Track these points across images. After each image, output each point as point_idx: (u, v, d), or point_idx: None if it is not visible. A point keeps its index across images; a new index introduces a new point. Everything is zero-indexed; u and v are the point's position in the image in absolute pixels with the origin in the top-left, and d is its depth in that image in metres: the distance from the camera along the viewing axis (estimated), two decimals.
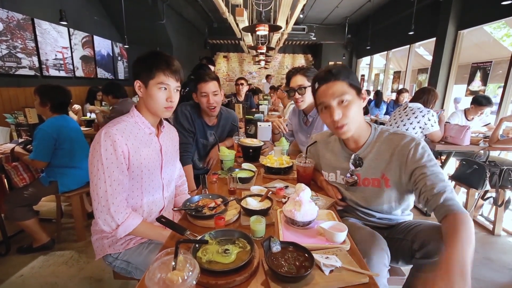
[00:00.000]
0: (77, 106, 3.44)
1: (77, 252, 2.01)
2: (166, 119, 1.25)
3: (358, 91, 0.98)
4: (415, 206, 2.86)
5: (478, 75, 3.95)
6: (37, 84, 1.94)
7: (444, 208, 0.80)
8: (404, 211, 1.08)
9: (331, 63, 8.69)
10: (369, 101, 5.41)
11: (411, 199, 1.05)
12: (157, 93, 1.00)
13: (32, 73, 3.41)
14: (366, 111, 1.18)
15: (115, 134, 0.94)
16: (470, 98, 3.21)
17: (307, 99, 1.68)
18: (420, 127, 2.45)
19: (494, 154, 2.85)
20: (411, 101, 2.66)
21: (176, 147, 1.27)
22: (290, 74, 1.70)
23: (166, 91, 1.01)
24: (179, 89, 1.07)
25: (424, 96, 2.54)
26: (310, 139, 1.35)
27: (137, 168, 1.00)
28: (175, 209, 1.16)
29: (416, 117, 2.45)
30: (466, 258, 0.63)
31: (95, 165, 0.93)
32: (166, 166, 1.14)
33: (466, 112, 3.16)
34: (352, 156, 1.05)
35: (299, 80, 1.64)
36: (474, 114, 3.09)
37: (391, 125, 2.64)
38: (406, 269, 1.08)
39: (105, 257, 1.08)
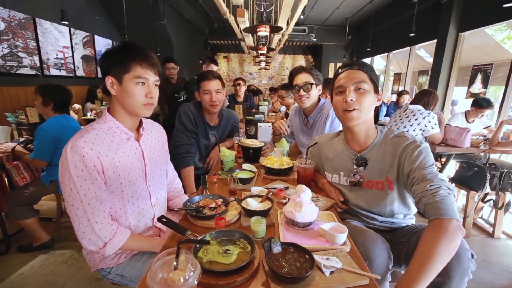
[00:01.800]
0: (77, 106, 3.44)
1: (77, 251, 2.01)
2: (153, 117, 1.17)
3: (376, 88, 1.00)
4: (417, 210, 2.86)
5: (479, 77, 3.95)
6: (38, 83, 1.95)
7: (428, 213, 0.80)
8: (406, 215, 1.08)
9: (331, 64, 8.71)
10: None
11: (412, 202, 1.05)
12: (134, 88, 0.88)
13: (33, 72, 3.41)
14: (377, 116, 1.18)
15: (82, 148, 0.82)
16: (470, 101, 3.21)
17: (312, 97, 1.68)
18: (421, 129, 2.45)
19: (494, 156, 2.85)
20: (412, 103, 2.66)
21: (164, 147, 1.16)
22: (294, 72, 1.70)
23: (145, 86, 0.90)
24: (158, 83, 0.96)
25: (425, 98, 2.55)
26: (311, 141, 1.35)
27: (115, 181, 0.90)
28: (176, 209, 1.16)
29: (416, 119, 2.45)
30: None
31: (67, 185, 0.83)
32: (152, 171, 1.04)
33: (466, 114, 3.17)
34: (356, 157, 1.05)
35: (305, 77, 1.65)
36: (475, 117, 3.09)
37: (391, 126, 2.64)
38: None
39: (98, 270, 1.03)
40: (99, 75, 4.78)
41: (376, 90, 1.00)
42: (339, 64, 7.95)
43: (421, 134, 2.47)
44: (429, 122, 2.43)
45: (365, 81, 0.97)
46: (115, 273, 1.01)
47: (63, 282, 1.71)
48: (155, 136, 1.10)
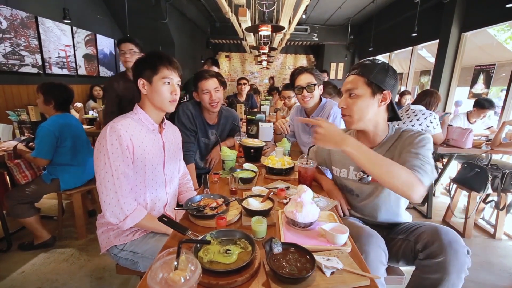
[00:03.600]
0: (79, 104, 3.44)
1: (77, 250, 2.02)
2: (169, 119, 1.28)
3: (378, 90, 0.97)
4: (415, 208, 2.85)
5: (481, 77, 3.93)
6: (40, 82, 1.95)
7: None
8: (401, 212, 1.10)
9: (333, 64, 8.68)
10: None
11: None
12: (162, 87, 1.05)
13: (35, 71, 3.42)
14: (394, 113, 1.15)
15: (120, 129, 0.98)
16: (472, 101, 3.20)
17: (315, 97, 1.67)
18: (422, 129, 2.44)
19: (496, 157, 2.84)
20: (414, 103, 2.65)
21: (178, 145, 1.31)
22: (296, 73, 1.70)
23: (170, 85, 1.07)
24: (180, 84, 1.12)
25: (427, 98, 2.54)
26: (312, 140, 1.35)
27: (141, 162, 1.05)
28: (176, 208, 1.16)
29: (418, 119, 2.44)
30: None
31: (102, 159, 0.96)
32: (169, 162, 1.19)
33: (468, 115, 3.15)
34: None
35: (308, 78, 1.64)
36: (477, 117, 3.08)
37: (393, 126, 2.63)
38: (405, 269, 1.08)
39: (110, 249, 1.10)
40: (101, 74, 4.79)
41: (376, 92, 0.98)
42: (340, 64, 7.91)
43: None
44: (431, 122, 2.42)
45: (357, 86, 0.98)
46: (128, 249, 1.08)
47: (64, 280, 1.72)
48: (173, 134, 1.27)
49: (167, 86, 1.07)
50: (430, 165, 0.87)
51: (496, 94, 5.28)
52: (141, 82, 1.07)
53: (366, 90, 0.98)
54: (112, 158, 0.96)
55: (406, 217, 1.12)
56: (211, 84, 1.66)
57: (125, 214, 0.98)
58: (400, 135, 1.05)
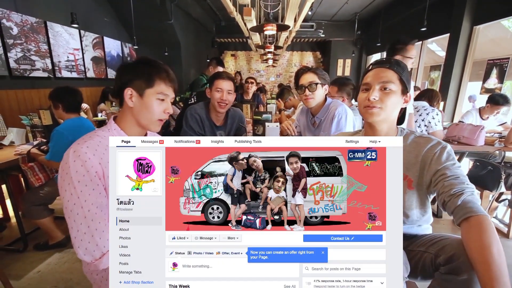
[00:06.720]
0: (84, 105, 3.39)
1: None
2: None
3: (405, 89, 0.96)
4: None
5: (494, 72, 3.81)
6: (51, 86, 1.99)
7: (463, 210, 0.77)
8: (423, 224, 1.05)
9: (340, 60, 8.58)
10: None
11: (430, 208, 1.03)
12: (154, 103, 0.90)
13: (45, 75, 3.50)
14: (403, 118, 1.14)
15: (85, 153, 0.81)
16: (485, 96, 3.11)
17: (317, 97, 1.66)
18: (425, 125, 2.40)
19: (510, 154, 2.75)
20: (416, 99, 2.62)
21: None
22: (300, 73, 1.70)
23: (164, 102, 0.92)
24: (173, 100, 1.00)
25: (427, 94, 2.59)
26: None
27: None
28: None
29: (420, 115, 2.41)
30: (506, 278, 0.64)
31: (67, 189, 0.80)
32: None
33: (481, 111, 3.06)
34: None
35: (310, 77, 1.64)
36: (490, 113, 2.98)
37: (402, 130, 2.60)
38: (420, 284, 1.03)
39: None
40: (109, 76, 4.87)
41: (404, 92, 0.96)
42: (348, 60, 7.79)
43: (426, 130, 2.43)
44: (433, 118, 2.38)
45: (393, 81, 0.94)
46: None
47: (78, 279, 1.77)
48: None
49: (160, 102, 0.91)
50: (466, 177, 0.87)
51: (510, 88, 5.11)
52: (128, 92, 0.89)
53: (398, 87, 0.95)
54: (79, 187, 0.79)
55: (427, 230, 1.07)
56: (226, 85, 1.69)
57: (101, 252, 0.81)
58: (414, 140, 0.99)
